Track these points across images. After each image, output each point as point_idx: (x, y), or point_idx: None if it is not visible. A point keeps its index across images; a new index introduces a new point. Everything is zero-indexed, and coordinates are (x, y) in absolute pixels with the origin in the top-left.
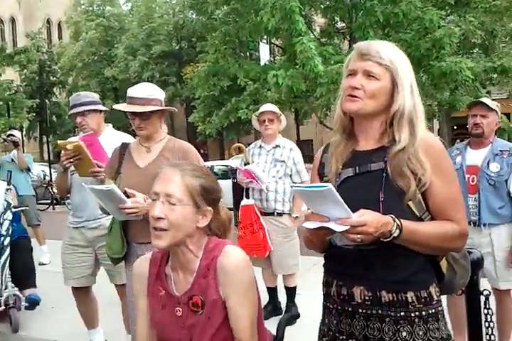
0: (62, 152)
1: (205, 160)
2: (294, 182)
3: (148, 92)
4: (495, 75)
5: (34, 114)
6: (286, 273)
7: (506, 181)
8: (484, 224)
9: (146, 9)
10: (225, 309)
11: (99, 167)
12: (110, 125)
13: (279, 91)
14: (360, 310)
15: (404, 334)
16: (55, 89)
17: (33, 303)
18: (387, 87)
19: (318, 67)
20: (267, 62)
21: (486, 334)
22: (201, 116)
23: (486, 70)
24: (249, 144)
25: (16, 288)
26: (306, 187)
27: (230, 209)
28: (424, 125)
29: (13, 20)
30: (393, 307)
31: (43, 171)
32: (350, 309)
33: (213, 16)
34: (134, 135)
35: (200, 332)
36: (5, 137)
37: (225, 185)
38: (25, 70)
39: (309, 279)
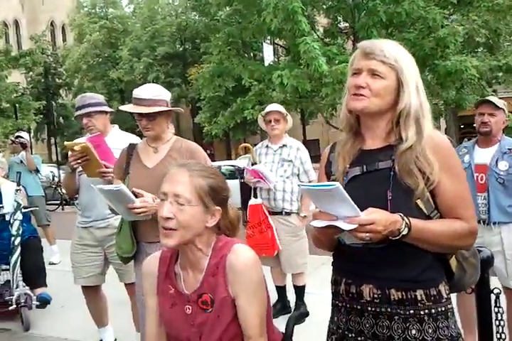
0: (70, 153)
1: (211, 161)
2: (301, 182)
3: (154, 93)
4: (500, 74)
5: (41, 116)
6: (295, 271)
7: None
8: (494, 223)
9: (148, 11)
10: (234, 307)
11: (107, 167)
12: (116, 126)
13: (284, 92)
14: (369, 308)
15: (413, 332)
16: (61, 91)
17: (43, 302)
18: (393, 86)
19: (322, 67)
20: (271, 63)
21: (497, 332)
22: (207, 116)
23: (492, 69)
24: (255, 144)
25: (27, 287)
26: (313, 185)
27: (238, 208)
28: (430, 123)
29: (16, 23)
30: (402, 306)
31: (51, 172)
32: (359, 307)
33: (216, 17)
34: (141, 136)
35: (209, 330)
36: (13, 139)
37: (233, 185)
38: (30, 73)
39: (318, 278)
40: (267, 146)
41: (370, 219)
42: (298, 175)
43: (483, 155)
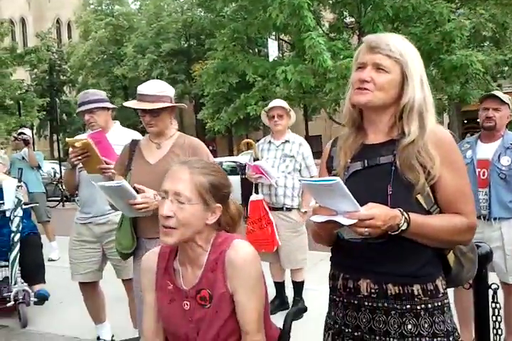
0: (71, 149)
1: (214, 157)
2: (302, 177)
3: (158, 89)
4: (506, 68)
5: (45, 113)
6: (294, 267)
7: None
8: (495, 218)
9: (154, 8)
10: (232, 303)
11: (108, 164)
12: (117, 122)
13: (288, 87)
14: (366, 303)
15: (409, 326)
16: (65, 88)
17: (41, 298)
18: (397, 80)
19: (327, 62)
20: (276, 58)
21: (493, 328)
22: (210, 112)
23: (497, 63)
24: (258, 140)
25: (26, 284)
26: (314, 180)
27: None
28: (433, 118)
29: (23, 21)
30: (399, 300)
31: (53, 169)
32: (356, 302)
33: (222, 13)
34: (143, 132)
35: (207, 326)
36: (16, 135)
37: (234, 181)
38: (35, 70)
39: (316, 274)
40: (269, 142)
41: (370, 214)
42: (300, 171)
43: (485, 150)
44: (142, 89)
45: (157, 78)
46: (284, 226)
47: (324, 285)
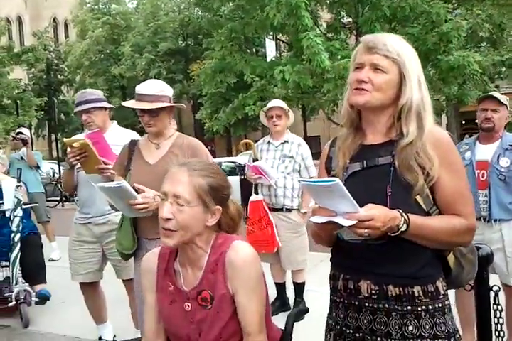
0: (68, 150)
1: (212, 157)
2: (302, 178)
3: (156, 89)
4: (503, 69)
5: (42, 112)
6: (295, 268)
7: None
8: (495, 220)
9: (151, 7)
10: (233, 303)
11: (106, 164)
12: (115, 122)
13: (286, 87)
14: (367, 304)
15: (410, 328)
16: (62, 88)
17: (42, 298)
18: (395, 80)
19: (324, 62)
20: (274, 58)
21: (495, 330)
22: (208, 113)
23: (495, 64)
24: (256, 141)
25: (27, 284)
26: (313, 181)
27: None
28: (432, 118)
29: (19, 20)
30: (400, 302)
31: (52, 168)
32: (356, 303)
33: (219, 13)
34: (142, 132)
35: (208, 327)
36: (14, 135)
37: (233, 182)
38: (32, 69)
39: (317, 275)
40: (268, 142)
41: (369, 215)
42: (299, 172)
43: (484, 151)
44: (141, 88)
45: (155, 78)
46: (284, 227)
47: (325, 286)
